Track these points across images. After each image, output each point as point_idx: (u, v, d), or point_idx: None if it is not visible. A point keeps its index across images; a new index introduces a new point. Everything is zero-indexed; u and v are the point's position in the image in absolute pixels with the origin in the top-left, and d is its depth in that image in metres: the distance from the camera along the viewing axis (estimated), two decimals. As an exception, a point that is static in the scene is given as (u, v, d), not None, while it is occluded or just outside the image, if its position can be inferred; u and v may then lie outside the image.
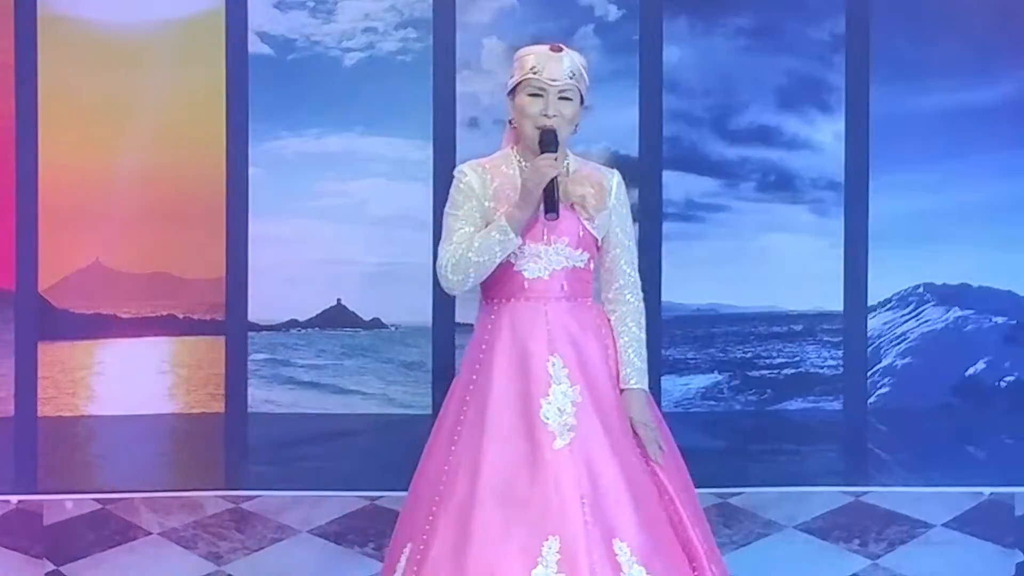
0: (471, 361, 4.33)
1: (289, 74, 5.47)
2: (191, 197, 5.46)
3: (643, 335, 4.39)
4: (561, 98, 4.26)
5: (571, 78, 4.27)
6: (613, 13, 5.49)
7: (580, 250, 4.31)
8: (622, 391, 4.33)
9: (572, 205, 4.29)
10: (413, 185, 5.45)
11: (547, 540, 4.08)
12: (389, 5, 5.49)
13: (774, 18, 5.49)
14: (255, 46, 5.46)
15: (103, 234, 5.45)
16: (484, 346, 4.31)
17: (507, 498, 4.12)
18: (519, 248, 4.26)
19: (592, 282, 4.38)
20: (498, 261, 4.23)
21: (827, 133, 5.51)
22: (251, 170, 5.46)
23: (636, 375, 4.34)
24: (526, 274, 4.29)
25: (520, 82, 4.28)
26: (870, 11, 5.47)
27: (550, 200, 4.18)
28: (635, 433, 4.30)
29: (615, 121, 5.46)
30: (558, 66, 4.26)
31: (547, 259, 4.30)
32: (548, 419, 4.19)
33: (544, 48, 4.31)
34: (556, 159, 4.21)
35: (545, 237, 4.29)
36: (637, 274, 4.41)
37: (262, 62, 5.47)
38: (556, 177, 4.20)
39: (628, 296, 4.39)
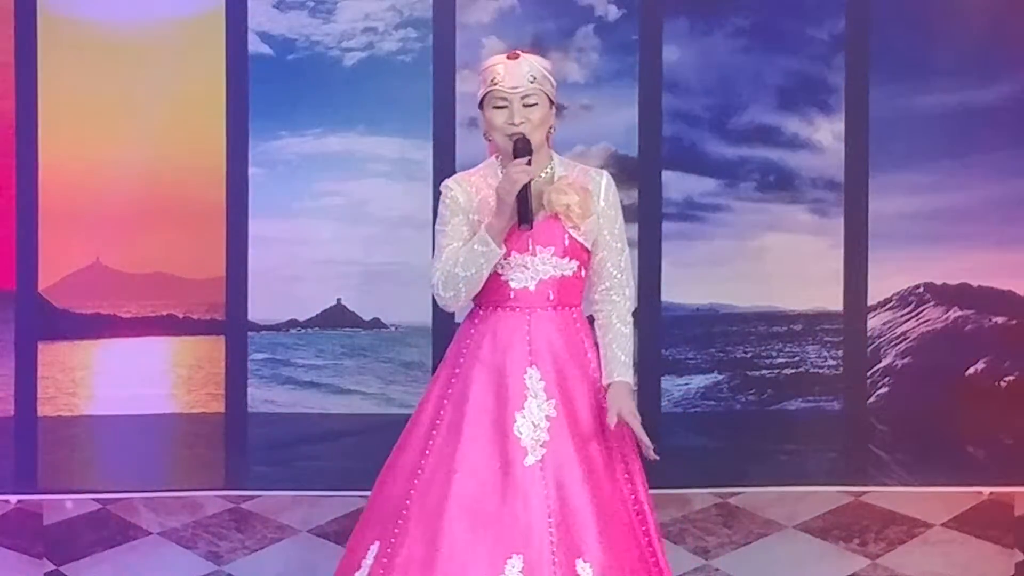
0: (451, 366, 4.33)
1: (289, 74, 5.46)
2: (191, 197, 5.46)
3: (628, 331, 4.33)
4: (526, 104, 4.25)
5: (532, 82, 4.25)
6: (613, 13, 5.48)
7: (568, 259, 4.29)
8: (607, 387, 4.28)
9: (556, 215, 4.27)
10: (413, 185, 5.45)
11: (511, 558, 4.08)
12: (389, 5, 5.49)
13: (774, 18, 5.49)
14: (255, 46, 5.46)
15: (103, 234, 5.45)
16: (465, 351, 4.31)
17: (477, 513, 4.13)
18: (505, 259, 4.24)
19: (584, 289, 4.37)
20: (486, 273, 4.22)
21: (827, 133, 5.51)
22: (251, 170, 5.46)
23: (620, 368, 4.28)
24: (512, 284, 4.29)
25: (485, 95, 4.29)
26: (870, 11, 5.47)
27: (524, 209, 4.15)
28: (616, 428, 4.22)
29: (615, 121, 5.46)
30: (517, 72, 4.25)
31: (533, 269, 4.28)
32: (521, 434, 4.19)
33: (502, 57, 4.31)
34: (529, 163, 4.19)
35: (531, 247, 4.27)
36: (626, 275, 4.37)
37: (262, 62, 5.47)
38: (529, 185, 4.18)
39: (614, 296, 4.35)
